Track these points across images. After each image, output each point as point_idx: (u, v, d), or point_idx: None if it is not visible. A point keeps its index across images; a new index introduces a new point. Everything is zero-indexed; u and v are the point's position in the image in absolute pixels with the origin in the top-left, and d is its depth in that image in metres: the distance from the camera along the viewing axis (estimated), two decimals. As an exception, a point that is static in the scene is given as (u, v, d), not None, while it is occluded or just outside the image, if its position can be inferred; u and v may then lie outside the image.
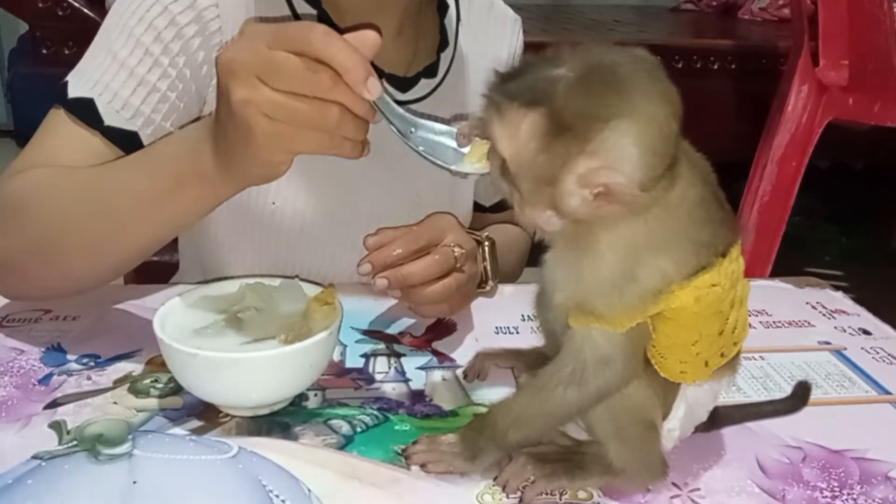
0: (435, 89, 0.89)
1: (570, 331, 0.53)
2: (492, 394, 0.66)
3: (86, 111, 0.74)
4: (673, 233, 0.50)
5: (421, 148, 0.56)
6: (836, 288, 0.94)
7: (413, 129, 0.57)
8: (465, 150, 0.54)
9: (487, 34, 0.95)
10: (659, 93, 0.47)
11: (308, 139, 0.56)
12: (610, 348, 0.52)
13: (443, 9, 0.92)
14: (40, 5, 2.03)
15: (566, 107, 0.45)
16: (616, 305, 0.50)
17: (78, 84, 0.75)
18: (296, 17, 0.81)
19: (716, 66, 2.36)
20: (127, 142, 0.74)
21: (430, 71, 0.89)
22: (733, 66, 2.38)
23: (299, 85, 0.53)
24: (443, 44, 0.91)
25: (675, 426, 0.56)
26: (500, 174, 0.50)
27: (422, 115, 0.58)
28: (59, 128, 0.75)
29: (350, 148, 0.57)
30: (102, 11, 2.09)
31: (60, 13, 2.04)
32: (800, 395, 0.66)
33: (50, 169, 0.72)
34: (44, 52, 2.04)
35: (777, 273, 1.75)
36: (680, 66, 2.31)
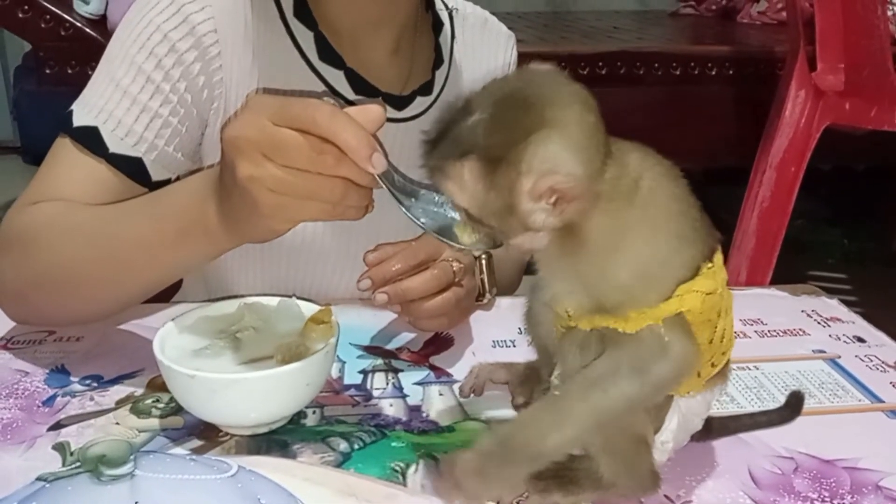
0: (430, 107, 0.90)
1: (615, 333, 0.52)
2: (488, 409, 0.68)
3: (91, 139, 0.75)
4: (652, 228, 0.52)
5: (422, 220, 0.57)
6: (838, 291, 0.94)
7: (413, 200, 0.58)
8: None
9: (482, 51, 0.97)
10: (564, 96, 0.50)
11: (312, 209, 0.58)
12: (670, 336, 0.52)
13: (437, 26, 0.93)
14: (43, 26, 2.05)
15: (491, 144, 0.49)
16: (626, 303, 0.51)
17: (82, 112, 0.77)
18: (293, 38, 0.82)
19: (714, 72, 2.36)
20: (132, 168, 0.76)
21: (426, 89, 0.90)
22: (731, 72, 2.38)
23: (304, 163, 0.55)
24: (438, 61, 0.92)
25: (668, 438, 0.57)
26: (471, 221, 0.52)
27: (419, 185, 0.58)
28: (65, 157, 0.77)
29: (354, 213, 0.59)
30: (105, 31, 2.12)
31: (63, 33, 2.06)
32: (793, 406, 0.67)
33: (61, 205, 0.74)
34: (47, 71, 2.06)
35: (779, 276, 1.76)
36: (678, 72, 2.33)
